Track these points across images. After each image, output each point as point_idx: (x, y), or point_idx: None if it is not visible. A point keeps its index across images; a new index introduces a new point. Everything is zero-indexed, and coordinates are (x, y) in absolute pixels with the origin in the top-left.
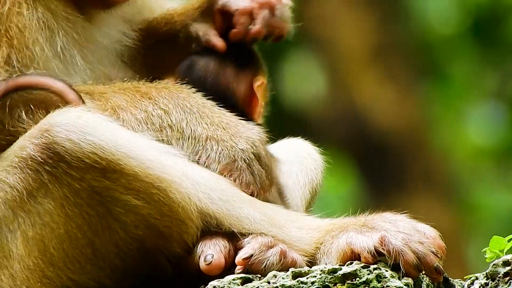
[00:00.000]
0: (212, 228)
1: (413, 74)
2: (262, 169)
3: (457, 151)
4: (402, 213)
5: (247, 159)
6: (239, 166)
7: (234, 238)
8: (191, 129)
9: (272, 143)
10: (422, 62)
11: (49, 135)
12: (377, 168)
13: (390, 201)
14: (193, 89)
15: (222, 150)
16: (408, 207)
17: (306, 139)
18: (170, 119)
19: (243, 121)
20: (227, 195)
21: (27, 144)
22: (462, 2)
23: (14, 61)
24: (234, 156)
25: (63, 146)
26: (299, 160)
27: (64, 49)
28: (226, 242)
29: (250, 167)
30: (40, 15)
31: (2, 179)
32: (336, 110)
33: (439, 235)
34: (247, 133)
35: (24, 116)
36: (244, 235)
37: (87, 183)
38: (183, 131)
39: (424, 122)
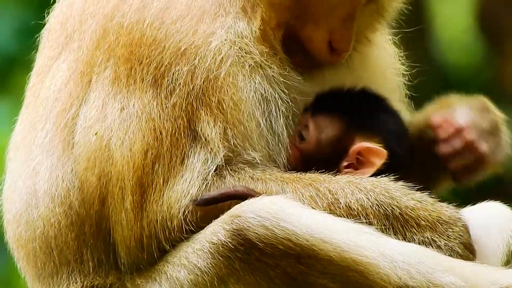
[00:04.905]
0: None
1: None
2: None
3: None
4: None
5: (460, 253)
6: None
7: None
8: (399, 236)
9: (471, 205)
10: None
11: (239, 221)
12: None
13: None
14: (390, 181)
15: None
16: None
17: (503, 199)
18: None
19: (444, 211)
20: (426, 266)
21: (218, 229)
22: None
23: (230, 137)
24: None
25: (255, 233)
26: (496, 224)
27: (277, 121)
28: None
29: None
30: (257, 86)
31: (194, 262)
32: None
33: None
34: (453, 227)
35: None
36: None
37: (281, 270)
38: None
39: None
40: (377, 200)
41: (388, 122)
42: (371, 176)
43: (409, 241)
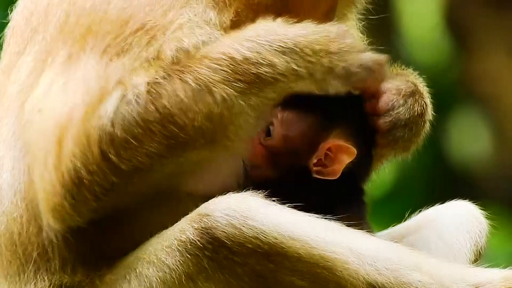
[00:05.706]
0: None
1: None
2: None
3: None
4: None
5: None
6: None
7: None
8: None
9: (438, 204)
10: None
11: (208, 220)
12: None
13: None
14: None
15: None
16: None
17: (470, 198)
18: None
19: (329, 28)
20: (393, 263)
21: (186, 227)
22: None
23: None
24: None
25: (223, 231)
26: (463, 223)
27: None
28: None
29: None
30: None
31: (162, 259)
32: (502, 168)
33: None
34: (341, 40)
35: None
36: None
37: (250, 268)
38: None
39: None
40: (267, 41)
41: (360, 121)
42: (340, 174)
43: (313, 76)
